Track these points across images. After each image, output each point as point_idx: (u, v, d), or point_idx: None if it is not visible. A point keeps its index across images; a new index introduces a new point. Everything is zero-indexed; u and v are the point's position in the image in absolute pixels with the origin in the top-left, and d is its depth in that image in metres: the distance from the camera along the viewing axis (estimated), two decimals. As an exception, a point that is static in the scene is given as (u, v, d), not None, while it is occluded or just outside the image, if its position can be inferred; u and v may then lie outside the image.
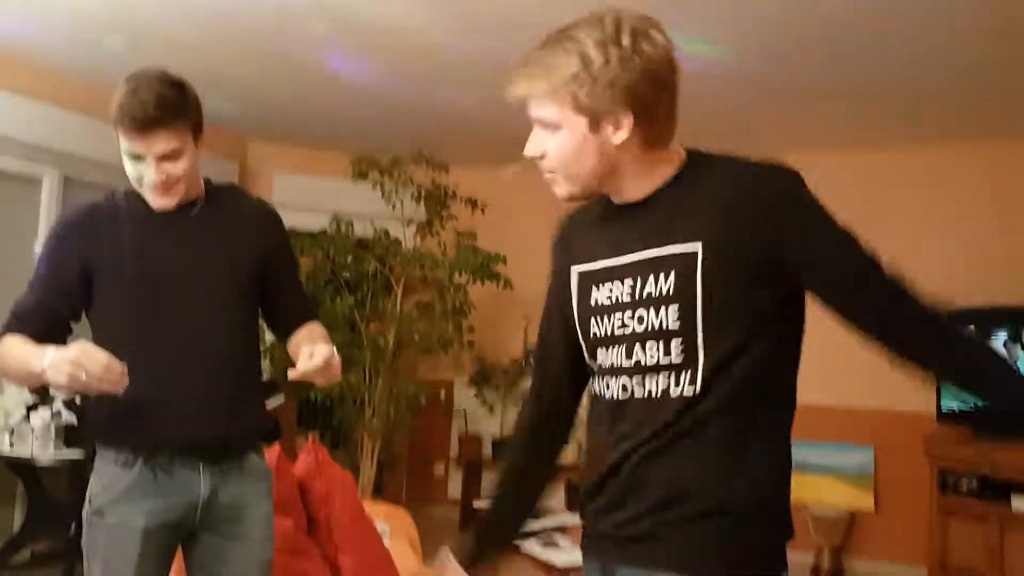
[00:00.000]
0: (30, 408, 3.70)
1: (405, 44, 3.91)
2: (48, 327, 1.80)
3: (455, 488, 6.14)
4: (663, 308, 1.29)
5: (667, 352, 1.29)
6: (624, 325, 1.34)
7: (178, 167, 1.79)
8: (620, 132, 1.28)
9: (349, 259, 5.30)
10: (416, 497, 5.96)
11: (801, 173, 1.31)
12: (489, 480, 6.04)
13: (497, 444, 5.99)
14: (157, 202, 1.82)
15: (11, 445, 3.70)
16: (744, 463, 1.28)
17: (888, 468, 5.13)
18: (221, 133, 5.22)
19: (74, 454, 3.73)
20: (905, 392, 5.16)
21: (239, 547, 1.89)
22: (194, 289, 1.86)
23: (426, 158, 5.11)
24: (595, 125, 1.28)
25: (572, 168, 1.32)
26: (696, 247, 1.27)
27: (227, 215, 1.93)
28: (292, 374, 1.76)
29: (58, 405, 3.75)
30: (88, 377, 1.57)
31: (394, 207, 5.12)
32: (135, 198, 1.87)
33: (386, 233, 5.26)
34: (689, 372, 1.28)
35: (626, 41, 1.25)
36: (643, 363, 1.31)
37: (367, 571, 2.63)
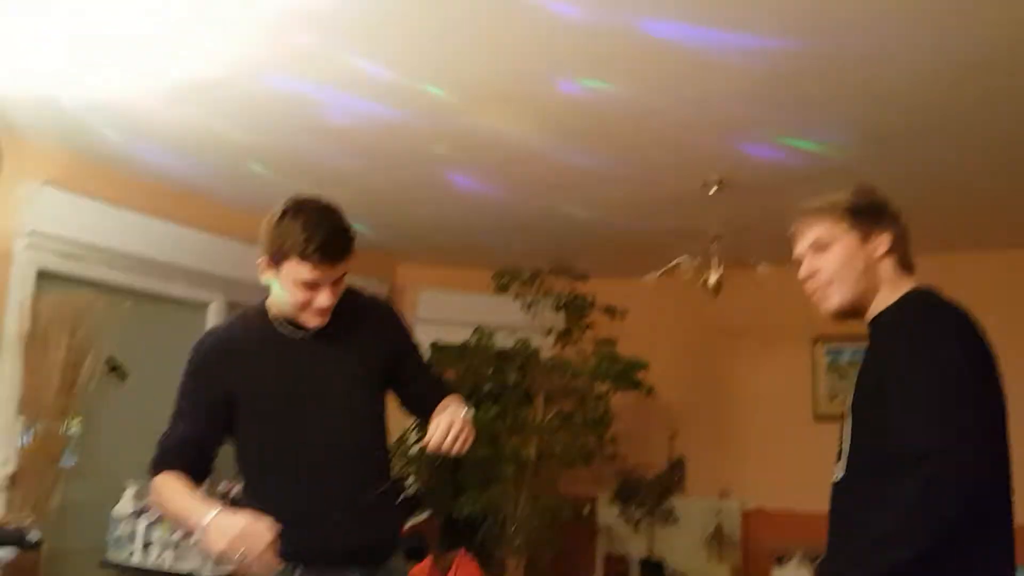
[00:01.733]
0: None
1: (530, 162, 4.04)
2: (195, 460, 1.89)
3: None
4: None
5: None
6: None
7: (341, 287, 1.89)
8: (880, 247, 1.63)
9: (490, 371, 5.34)
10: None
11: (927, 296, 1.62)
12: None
13: (645, 565, 5.71)
14: (314, 322, 1.89)
15: (173, 560, 3.81)
16: None
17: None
18: (370, 255, 5.48)
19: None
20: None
21: None
22: (330, 402, 1.92)
23: (565, 269, 5.18)
24: (863, 240, 1.63)
25: (842, 277, 1.62)
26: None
27: (348, 321, 1.96)
28: (429, 447, 1.82)
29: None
30: (244, 556, 1.62)
31: (534, 317, 5.17)
32: (263, 320, 1.94)
33: (526, 343, 5.30)
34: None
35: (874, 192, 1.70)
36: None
37: None
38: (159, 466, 1.87)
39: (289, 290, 1.84)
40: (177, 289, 4.71)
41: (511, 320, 5.32)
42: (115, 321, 4.28)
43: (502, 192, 4.52)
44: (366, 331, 2.00)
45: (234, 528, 1.63)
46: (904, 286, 1.63)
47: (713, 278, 4.19)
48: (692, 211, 4.34)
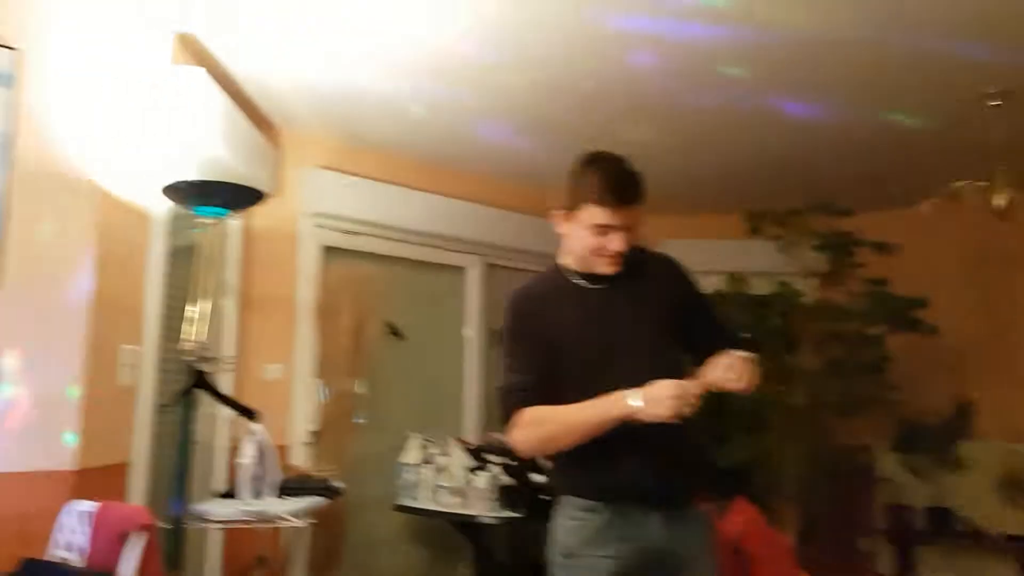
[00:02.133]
0: (472, 470, 4.08)
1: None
2: (548, 401, 1.97)
3: (884, 564, 5.56)
4: None
5: None
6: None
7: (634, 235, 1.99)
8: None
9: (749, 319, 5.16)
10: (839, 573, 5.49)
11: None
12: (923, 556, 5.42)
13: (931, 514, 5.32)
14: (607, 268, 2.02)
15: (458, 506, 4.09)
16: None
17: None
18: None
19: (513, 514, 4.01)
20: None
21: None
22: (632, 349, 2.01)
23: (824, 206, 4.85)
24: None
25: None
26: None
27: (638, 273, 2.07)
28: (706, 383, 1.87)
29: (495, 469, 4.09)
30: (684, 404, 1.78)
31: (792, 259, 4.92)
32: (561, 276, 2.09)
33: (786, 287, 5.06)
34: None
35: None
36: None
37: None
38: (522, 403, 1.97)
39: (585, 236, 1.98)
40: (440, 256, 5.00)
41: (766, 265, 5.09)
42: (390, 288, 4.65)
43: (753, 130, 4.32)
44: (656, 282, 2.10)
45: (666, 392, 1.79)
46: None
47: (1001, 201, 3.75)
48: (971, 128, 3.89)
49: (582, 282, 2.07)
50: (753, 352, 2.02)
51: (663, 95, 3.89)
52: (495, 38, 3.28)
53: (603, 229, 1.95)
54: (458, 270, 5.16)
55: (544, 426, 1.94)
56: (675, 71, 3.61)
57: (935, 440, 5.26)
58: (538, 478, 3.94)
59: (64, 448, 2.67)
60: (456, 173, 5.03)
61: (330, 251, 4.50)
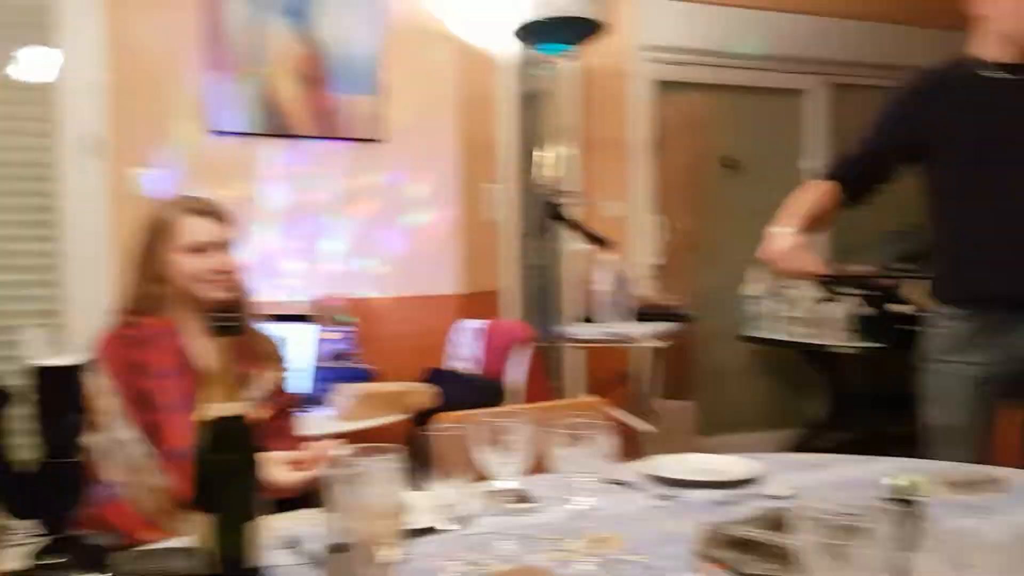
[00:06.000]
0: (823, 301, 3.96)
1: None
2: (861, 179, 2.01)
3: None
4: None
5: None
6: None
7: None
8: None
9: None
10: None
11: None
12: None
13: None
14: None
15: (810, 336, 4.01)
16: None
17: None
18: None
19: (872, 344, 3.86)
20: None
21: None
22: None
23: None
24: None
25: None
26: None
27: None
28: None
29: (852, 299, 3.93)
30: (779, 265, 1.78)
31: None
32: (972, 65, 1.93)
33: None
34: None
35: None
36: None
37: None
38: (827, 175, 2.04)
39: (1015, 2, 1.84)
40: (778, 79, 4.72)
41: None
42: (723, 120, 4.51)
43: None
44: None
45: (775, 239, 1.77)
46: None
47: None
48: None
49: (994, 73, 1.90)
50: None
51: None
52: None
53: None
54: (797, 93, 4.85)
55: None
56: None
57: None
58: (899, 308, 3.73)
59: (449, 275, 3.01)
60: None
61: (664, 85, 4.45)
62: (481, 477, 1.29)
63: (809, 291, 4.03)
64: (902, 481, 1.17)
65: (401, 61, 3.04)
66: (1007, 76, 1.88)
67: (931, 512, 1.24)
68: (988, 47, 1.91)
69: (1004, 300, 1.89)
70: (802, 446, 4.29)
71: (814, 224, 1.95)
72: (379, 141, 3.12)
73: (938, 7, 2.14)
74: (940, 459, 1.95)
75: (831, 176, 2.02)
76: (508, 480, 1.30)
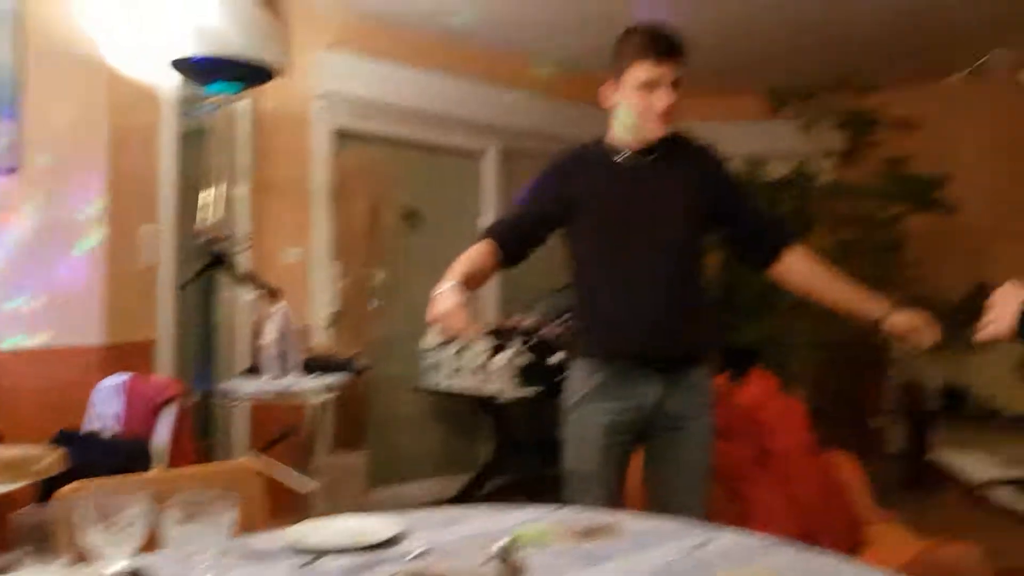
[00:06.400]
0: (492, 351, 4.14)
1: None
2: (516, 242, 2.13)
3: (894, 443, 5.69)
4: None
5: None
6: None
7: (676, 96, 2.04)
8: None
9: (764, 201, 5.12)
10: (850, 449, 5.61)
11: None
12: (936, 435, 5.54)
13: (947, 393, 5.41)
14: (654, 131, 2.07)
15: (478, 385, 4.17)
16: None
17: None
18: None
19: (532, 391, 4.09)
20: None
21: (682, 452, 2.12)
22: (654, 225, 2.10)
23: (848, 81, 4.73)
24: None
25: None
26: None
27: (680, 160, 2.14)
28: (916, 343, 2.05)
29: (515, 349, 4.15)
30: (444, 325, 1.82)
31: (812, 139, 4.84)
32: (605, 148, 2.15)
33: (802, 167, 5.00)
34: None
35: None
36: None
37: (826, 504, 2.52)
38: (484, 234, 2.14)
39: (632, 98, 2.04)
40: (456, 139, 4.93)
41: (785, 146, 5.02)
42: (406, 172, 4.61)
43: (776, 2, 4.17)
44: (695, 167, 2.16)
45: (440, 300, 1.82)
46: None
47: (1031, 74, 3.65)
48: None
49: (624, 156, 2.12)
50: (795, 240, 2.18)
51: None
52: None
53: (648, 86, 2.01)
54: (476, 154, 5.10)
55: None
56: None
57: (951, 320, 5.28)
58: (556, 357, 4.01)
59: (92, 324, 2.72)
60: (475, 53, 4.90)
61: (343, 135, 4.45)
62: (90, 557, 1.15)
63: (479, 343, 4.21)
64: (509, 538, 1.22)
65: (43, 85, 2.73)
66: (630, 161, 2.12)
67: (549, 563, 1.31)
68: (618, 133, 2.14)
69: (629, 355, 2.09)
70: (471, 490, 4.44)
71: (473, 282, 2.03)
72: (13, 171, 2.77)
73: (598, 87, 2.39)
74: (577, 503, 2.11)
75: (490, 237, 2.13)
76: (120, 561, 1.16)
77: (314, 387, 3.19)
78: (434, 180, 4.91)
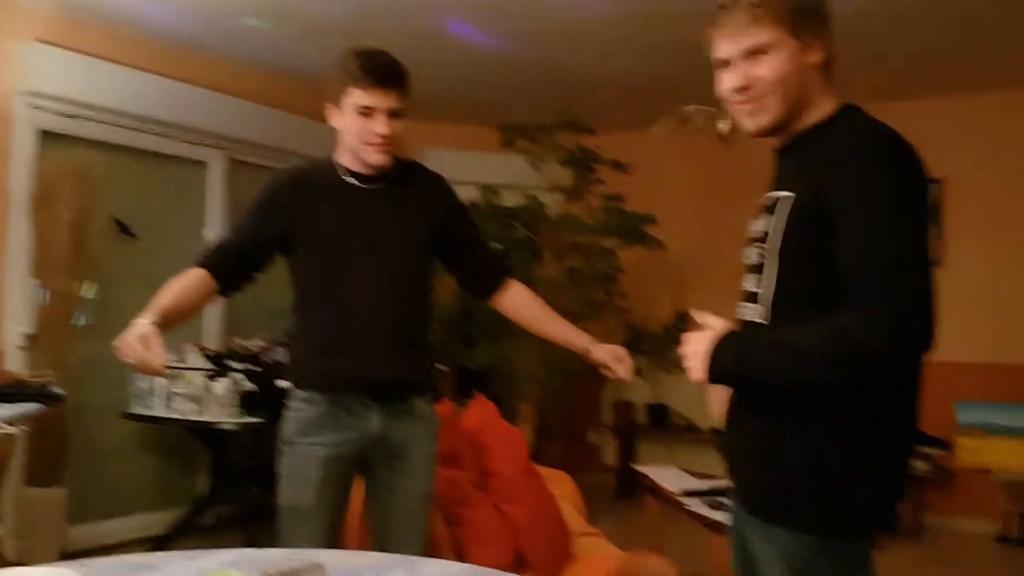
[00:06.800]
0: (211, 377, 3.93)
1: (534, 6, 3.88)
2: (230, 266, 2.06)
3: (609, 455, 6.15)
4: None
5: (756, 285, 1.43)
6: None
7: (399, 126, 2.01)
8: (817, 54, 1.41)
9: (497, 229, 5.34)
10: (571, 464, 5.96)
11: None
12: (645, 445, 6.04)
13: (650, 409, 5.93)
14: (375, 158, 2.02)
15: (195, 412, 3.94)
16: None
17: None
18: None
19: (253, 419, 3.94)
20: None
21: (403, 480, 2.11)
22: (377, 253, 2.07)
23: (572, 122, 5.08)
24: (802, 47, 1.40)
25: (782, 90, 1.40)
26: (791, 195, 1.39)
27: (409, 187, 2.13)
28: (614, 373, 2.13)
29: (237, 374, 3.97)
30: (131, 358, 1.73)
31: (541, 173, 5.12)
32: (332, 170, 2.10)
33: (534, 199, 5.28)
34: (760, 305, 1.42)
35: None
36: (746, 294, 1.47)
37: (538, 523, 2.65)
38: (199, 261, 2.04)
39: (350, 123, 2.00)
40: (178, 147, 4.65)
41: (518, 178, 5.28)
42: (119, 180, 4.26)
43: (506, 42, 4.37)
44: (423, 196, 2.15)
45: (127, 338, 1.74)
46: (831, 101, 1.44)
47: (724, 127, 4.11)
48: (703, 56, 4.20)
49: (351, 179, 2.08)
50: (507, 275, 2.24)
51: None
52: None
53: (366, 111, 1.97)
54: (199, 164, 4.83)
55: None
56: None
57: (657, 344, 5.81)
58: (282, 383, 3.88)
59: None
60: (198, 58, 4.66)
61: (50, 136, 4.03)
62: None
63: (197, 366, 3.98)
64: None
65: None
66: (357, 184, 2.08)
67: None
68: (344, 155, 2.10)
69: (349, 385, 2.05)
70: (187, 524, 4.18)
71: (178, 314, 1.92)
72: None
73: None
74: (292, 539, 2.05)
75: (204, 264, 2.02)
76: None
77: (2, 416, 2.85)
78: (154, 190, 4.60)
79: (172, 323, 1.88)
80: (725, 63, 1.46)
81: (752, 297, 1.45)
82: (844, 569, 1.38)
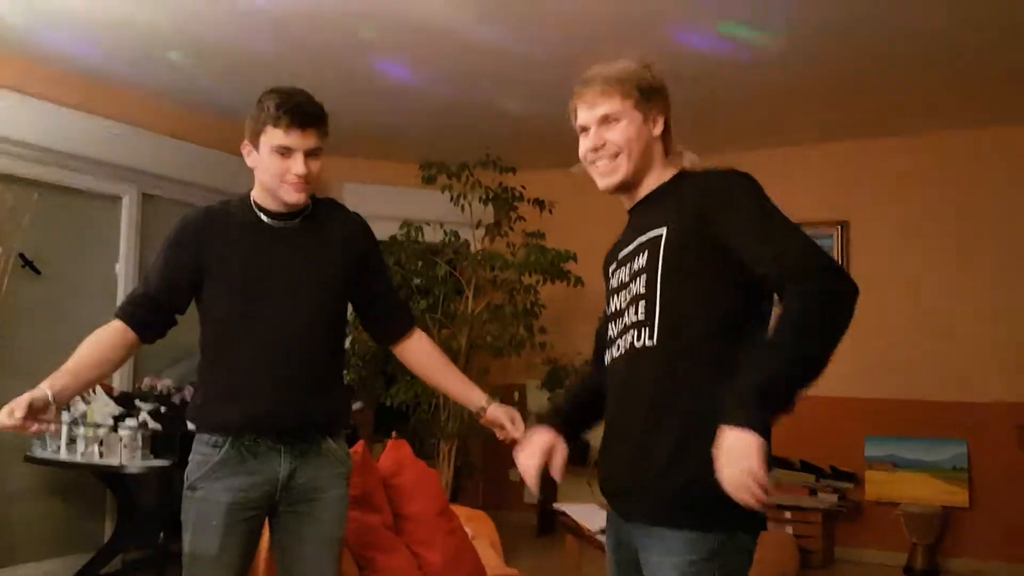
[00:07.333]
0: (117, 418, 3.79)
1: (459, 47, 3.93)
2: (152, 316, 2.04)
3: (530, 493, 6.13)
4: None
5: (636, 312, 1.62)
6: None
7: (316, 166, 2.00)
8: (658, 127, 1.68)
9: (420, 264, 5.33)
10: (492, 502, 5.94)
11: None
12: (564, 484, 6.03)
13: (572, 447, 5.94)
14: (292, 196, 2.00)
15: (100, 455, 3.79)
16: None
17: (982, 462, 4.93)
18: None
19: (161, 462, 3.81)
20: (996, 383, 5.01)
21: (312, 525, 2.05)
22: (289, 293, 2.04)
23: (493, 161, 5.13)
24: (645, 119, 1.66)
25: (629, 152, 1.65)
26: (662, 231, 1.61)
27: (325, 226, 2.11)
28: (507, 434, 2.15)
29: (144, 416, 3.84)
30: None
31: (463, 210, 5.14)
32: (246, 208, 2.07)
33: (456, 236, 5.29)
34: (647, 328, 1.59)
35: (656, 69, 1.72)
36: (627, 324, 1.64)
37: (452, 566, 2.62)
38: (118, 314, 2.01)
39: (267, 162, 1.98)
40: (89, 182, 4.51)
41: (439, 214, 5.27)
42: (25, 215, 4.11)
43: (435, 81, 4.40)
44: (339, 236, 2.12)
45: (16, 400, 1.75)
46: (672, 167, 1.71)
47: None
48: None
49: (265, 218, 2.05)
50: (411, 324, 2.24)
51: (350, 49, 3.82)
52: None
53: (283, 151, 1.96)
54: (112, 199, 4.70)
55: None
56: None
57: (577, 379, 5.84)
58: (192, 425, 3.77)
59: None
60: (115, 92, 4.55)
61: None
62: None
63: (103, 407, 3.84)
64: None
65: None
66: (272, 223, 2.05)
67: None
68: (260, 193, 2.07)
69: (256, 427, 2.00)
70: (91, 570, 4.00)
71: (95, 371, 1.95)
72: None
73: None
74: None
75: (122, 316, 2.01)
76: None
77: None
78: (63, 224, 4.44)
79: (89, 380, 1.92)
80: (584, 129, 1.70)
81: (639, 324, 1.61)
82: (745, 557, 1.55)
